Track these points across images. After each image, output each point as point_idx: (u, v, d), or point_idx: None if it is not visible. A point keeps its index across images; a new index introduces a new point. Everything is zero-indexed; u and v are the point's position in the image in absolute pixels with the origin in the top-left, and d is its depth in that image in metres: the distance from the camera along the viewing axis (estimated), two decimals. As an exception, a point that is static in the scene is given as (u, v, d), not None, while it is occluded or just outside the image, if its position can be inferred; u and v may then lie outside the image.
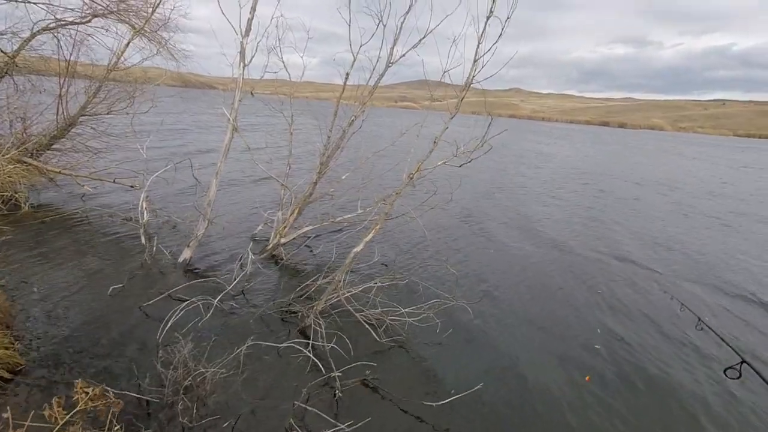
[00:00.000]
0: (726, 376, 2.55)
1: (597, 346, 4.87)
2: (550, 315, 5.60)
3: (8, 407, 2.51)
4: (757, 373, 2.37)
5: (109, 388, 3.24)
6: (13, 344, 3.63)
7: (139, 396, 3.30)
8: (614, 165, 26.94)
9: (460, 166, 4.13)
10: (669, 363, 4.68)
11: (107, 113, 8.77)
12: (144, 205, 6.33)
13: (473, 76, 3.75)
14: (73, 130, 8.64)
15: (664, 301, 6.27)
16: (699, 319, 3.38)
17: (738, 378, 2.48)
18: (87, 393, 2.37)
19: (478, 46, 3.65)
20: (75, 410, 2.26)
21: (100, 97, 8.63)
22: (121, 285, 5.04)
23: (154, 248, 5.95)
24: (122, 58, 8.68)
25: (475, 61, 3.68)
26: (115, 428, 2.46)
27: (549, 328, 5.24)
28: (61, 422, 2.14)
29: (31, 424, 2.15)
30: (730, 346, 2.83)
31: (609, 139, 63.30)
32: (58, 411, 2.20)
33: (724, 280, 7.52)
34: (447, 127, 3.90)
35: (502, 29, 3.51)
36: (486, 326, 5.11)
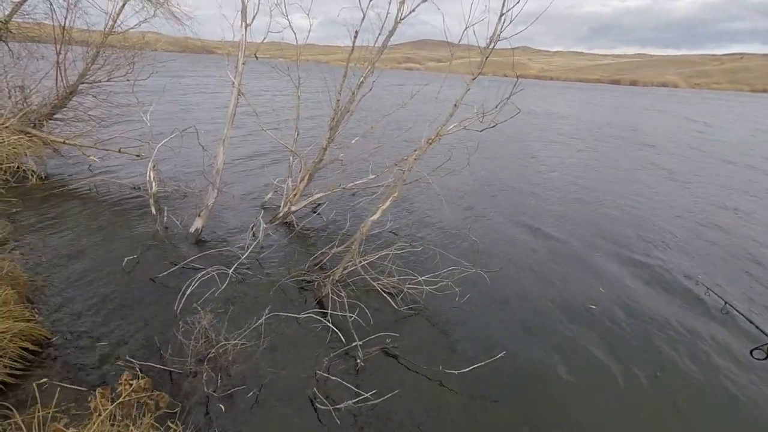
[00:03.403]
0: (753, 357, 2.48)
1: (610, 322, 4.73)
2: (571, 287, 5.47)
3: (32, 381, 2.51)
4: None
5: (133, 360, 3.28)
6: (34, 317, 3.63)
7: (162, 367, 3.32)
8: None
9: (481, 131, 3.92)
10: (695, 346, 4.43)
11: (107, 80, 8.50)
12: (152, 175, 6.21)
13: (500, 32, 3.46)
14: (74, 98, 8.42)
15: (688, 285, 5.77)
16: (725, 303, 3.31)
17: (765, 359, 2.41)
18: (131, 385, 2.36)
19: (505, -3, 3.32)
20: (118, 401, 2.24)
21: (98, 64, 8.33)
22: (134, 257, 5.01)
23: (165, 218, 5.89)
24: (118, 21, 8.32)
25: (501, 15, 3.38)
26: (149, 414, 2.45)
27: (570, 300, 5.13)
28: (104, 414, 2.12)
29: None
30: (758, 328, 2.76)
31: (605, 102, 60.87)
32: (101, 402, 2.19)
33: (746, 255, 7.05)
34: (469, 89, 3.67)
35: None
36: (505, 295, 5.05)
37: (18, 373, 3.14)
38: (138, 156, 7.69)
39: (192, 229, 5.85)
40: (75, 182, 7.35)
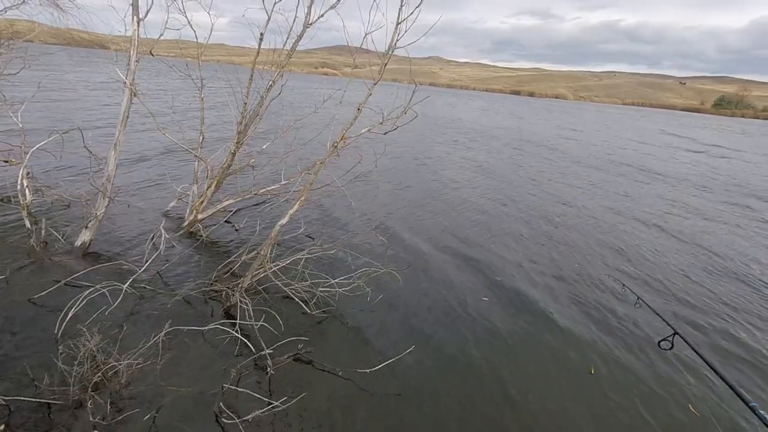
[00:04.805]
0: (660, 347, 2.81)
1: (518, 316, 5.14)
2: (478, 281, 5.84)
3: None
4: (687, 342, 2.67)
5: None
6: None
7: (37, 400, 2.92)
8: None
9: (385, 134, 4.07)
10: (608, 338, 4.83)
11: (-38, 73, 7.23)
12: (25, 183, 5.44)
13: (396, 41, 3.65)
14: None
15: (607, 281, 6.27)
16: (638, 298, 3.72)
17: (670, 349, 2.75)
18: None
19: (400, 8, 3.54)
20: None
21: (-50, 53, 7.06)
22: (2, 277, 4.33)
23: (43, 231, 5.18)
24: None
25: (397, 24, 3.57)
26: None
27: (476, 293, 5.46)
28: None
29: None
30: (664, 320, 3.13)
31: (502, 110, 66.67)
32: None
33: (661, 255, 7.79)
34: (371, 94, 3.79)
35: (424, -7, 3.43)
36: (415, 292, 5.27)
37: None
38: (6, 162, 6.68)
39: (78, 243, 5.22)
40: None
